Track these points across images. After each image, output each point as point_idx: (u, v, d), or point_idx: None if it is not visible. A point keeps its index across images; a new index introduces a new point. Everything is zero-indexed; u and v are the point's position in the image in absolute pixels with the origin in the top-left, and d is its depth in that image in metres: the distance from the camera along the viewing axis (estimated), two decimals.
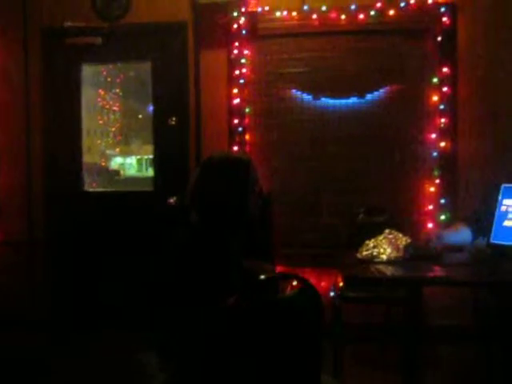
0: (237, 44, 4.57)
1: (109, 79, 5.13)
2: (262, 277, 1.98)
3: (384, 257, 2.93)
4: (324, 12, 4.47)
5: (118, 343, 4.36)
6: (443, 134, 4.38)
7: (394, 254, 2.94)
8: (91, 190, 5.01)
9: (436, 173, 4.42)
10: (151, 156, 4.99)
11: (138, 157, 5.40)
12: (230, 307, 1.86)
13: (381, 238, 3.05)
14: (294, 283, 2.27)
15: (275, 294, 2.14)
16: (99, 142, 5.22)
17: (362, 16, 4.44)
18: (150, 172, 5.07)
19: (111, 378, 3.81)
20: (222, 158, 2.32)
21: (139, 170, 5.58)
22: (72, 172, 4.88)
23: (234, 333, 1.86)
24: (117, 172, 5.38)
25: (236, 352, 1.86)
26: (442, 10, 4.35)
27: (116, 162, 5.43)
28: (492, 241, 3.02)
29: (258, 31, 4.58)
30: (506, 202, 3.05)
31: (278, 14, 4.52)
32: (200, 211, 2.24)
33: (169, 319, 2.12)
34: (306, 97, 4.57)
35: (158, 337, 2.21)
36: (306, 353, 1.93)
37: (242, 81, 4.58)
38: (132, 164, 5.50)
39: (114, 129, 5.26)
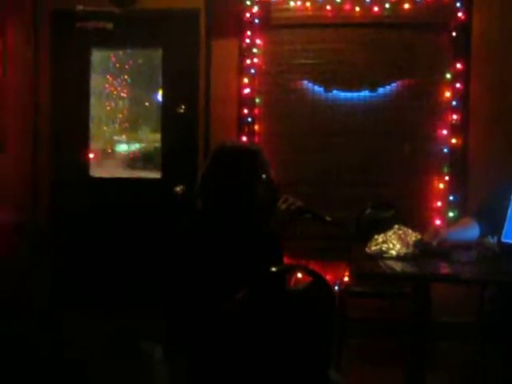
0: (249, 33, 4.53)
1: (117, 65, 5.09)
2: (274, 269, 1.96)
3: (393, 252, 2.89)
4: (338, 3, 4.43)
5: (120, 330, 4.33)
6: (455, 130, 4.36)
7: (403, 250, 2.90)
8: (97, 175, 4.98)
9: (446, 169, 4.40)
10: (157, 144, 4.97)
11: (144, 144, 5.35)
12: (241, 300, 1.84)
13: (390, 233, 3.01)
14: (299, 275, 2.25)
15: (285, 286, 2.13)
16: (105, 128, 5.19)
17: (376, 9, 4.40)
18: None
19: (112, 366, 3.78)
20: (234, 147, 2.34)
21: None
22: (78, 157, 4.85)
23: (245, 326, 1.85)
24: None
25: (247, 345, 1.85)
26: (458, 4, 4.32)
27: (121, 149, 5.39)
28: (503, 239, 2.99)
29: (270, 21, 4.55)
30: None
31: (291, 3, 4.48)
32: (207, 198, 2.24)
33: (179, 310, 2.10)
34: (318, 89, 4.54)
35: (167, 328, 2.19)
36: (317, 346, 1.92)
37: (252, 71, 4.55)
38: None
39: (121, 115, 5.23)
